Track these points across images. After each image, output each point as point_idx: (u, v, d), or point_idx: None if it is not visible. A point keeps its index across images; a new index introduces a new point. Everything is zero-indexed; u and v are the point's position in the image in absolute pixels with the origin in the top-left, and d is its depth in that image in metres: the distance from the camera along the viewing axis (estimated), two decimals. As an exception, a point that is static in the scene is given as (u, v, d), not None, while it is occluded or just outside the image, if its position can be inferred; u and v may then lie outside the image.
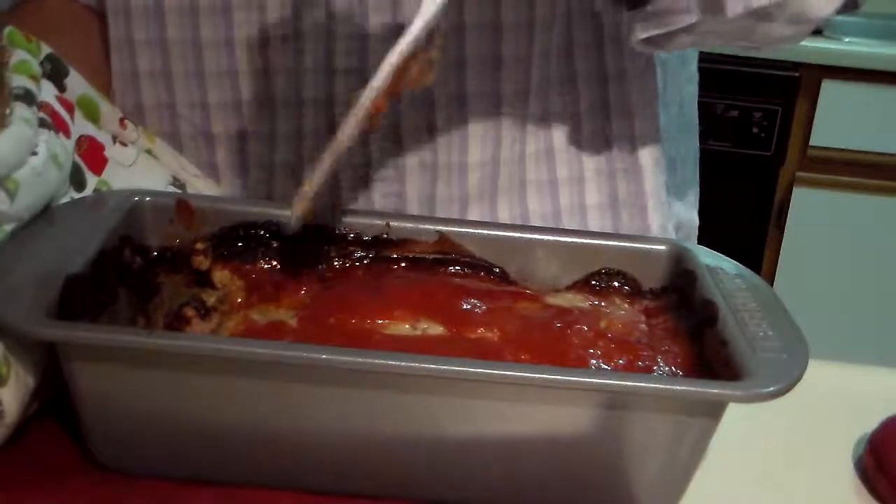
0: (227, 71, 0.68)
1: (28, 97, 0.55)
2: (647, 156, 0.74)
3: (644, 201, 0.74)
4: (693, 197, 0.88)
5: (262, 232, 0.60)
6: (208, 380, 0.47)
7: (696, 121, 0.86)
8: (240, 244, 0.60)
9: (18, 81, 0.56)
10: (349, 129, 0.52)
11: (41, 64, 0.59)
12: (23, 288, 0.48)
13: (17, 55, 0.57)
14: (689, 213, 0.86)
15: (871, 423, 0.57)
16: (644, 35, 0.60)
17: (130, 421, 0.49)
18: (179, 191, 0.65)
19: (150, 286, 0.57)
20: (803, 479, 0.57)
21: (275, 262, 0.59)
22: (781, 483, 0.56)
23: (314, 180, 0.53)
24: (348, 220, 0.60)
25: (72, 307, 0.48)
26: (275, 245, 0.60)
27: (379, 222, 0.60)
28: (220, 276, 0.58)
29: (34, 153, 0.53)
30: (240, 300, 0.57)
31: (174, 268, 0.59)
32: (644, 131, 0.73)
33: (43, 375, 0.50)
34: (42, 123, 0.55)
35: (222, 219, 0.60)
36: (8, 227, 0.52)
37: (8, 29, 0.58)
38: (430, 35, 0.52)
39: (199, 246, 0.59)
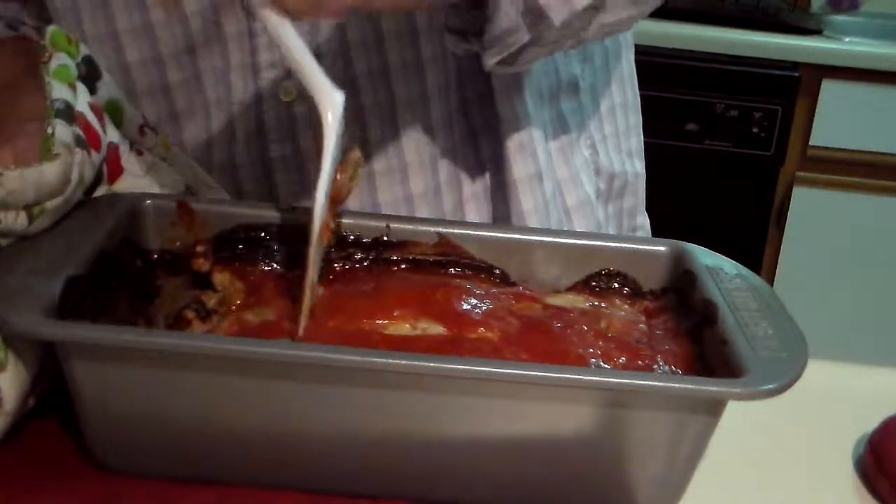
0: (159, 86, 0.69)
1: (67, 113, 0.55)
2: (513, 142, 0.73)
3: (510, 189, 0.73)
4: (636, 144, 0.87)
5: (262, 234, 0.60)
6: (208, 379, 0.47)
7: (633, 69, 0.86)
8: (240, 246, 0.60)
9: (58, 92, 0.56)
10: (312, 261, 0.54)
11: (77, 66, 0.60)
12: (23, 287, 0.48)
13: (58, 58, 0.58)
14: (626, 164, 0.86)
15: (871, 423, 0.57)
16: (492, 61, 0.63)
17: (130, 421, 0.49)
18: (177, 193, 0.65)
19: (150, 289, 0.58)
20: (803, 479, 0.57)
21: (275, 265, 0.59)
22: (781, 483, 0.56)
23: (302, 316, 0.54)
24: (348, 221, 0.60)
25: (72, 308, 0.48)
26: (275, 247, 0.60)
27: (379, 224, 0.60)
28: (221, 278, 0.58)
29: (68, 180, 0.53)
30: (239, 302, 0.57)
31: (175, 270, 0.59)
32: (507, 118, 0.72)
33: (41, 368, 0.50)
34: (77, 142, 0.55)
35: (223, 221, 0.60)
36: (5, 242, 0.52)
37: (52, 28, 0.59)
38: (343, 149, 0.56)
39: (200, 248, 0.59)
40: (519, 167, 0.73)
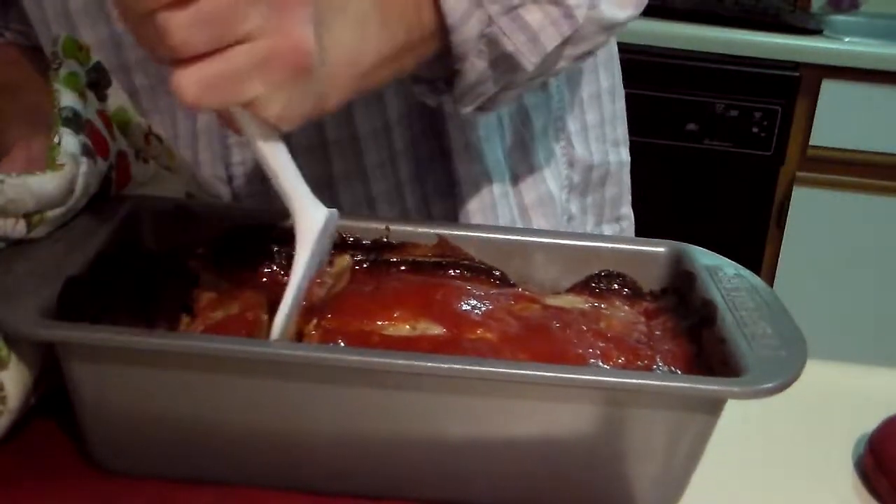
0: (126, 91, 0.69)
1: (75, 121, 0.55)
2: (457, 142, 0.72)
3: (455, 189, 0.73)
4: (621, 133, 0.86)
5: (262, 236, 0.60)
6: (207, 379, 0.47)
7: (616, 53, 0.84)
8: (240, 249, 0.60)
9: (67, 100, 0.56)
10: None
11: (87, 73, 0.60)
12: (22, 288, 0.48)
13: (67, 65, 0.58)
14: (611, 153, 0.84)
15: (871, 423, 0.57)
16: (467, 110, 0.62)
17: (130, 421, 0.49)
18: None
19: (150, 292, 0.57)
20: (803, 479, 0.57)
21: (275, 267, 0.59)
22: (781, 483, 0.56)
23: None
24: (348, 224, 0.60)
25: (71, 309, 0.48)
26: (275, 249, 0.60)
27: (378, 226, 0.60)
28: (207, 278, 0.58)
29: (72, 190, 0.53)
30: (212, 299, 0.56)
31: (175, 273, 0.59)
32: (451, 116, 0.71)
33: (42, 366, 0.50)
34: (85, 150, 0.55)
35: (223, 223, 0.60)
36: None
37: (64, 35, 0.59)
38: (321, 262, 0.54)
39: (200, 251, 0.59)
40: (464, 167, 0.72)
